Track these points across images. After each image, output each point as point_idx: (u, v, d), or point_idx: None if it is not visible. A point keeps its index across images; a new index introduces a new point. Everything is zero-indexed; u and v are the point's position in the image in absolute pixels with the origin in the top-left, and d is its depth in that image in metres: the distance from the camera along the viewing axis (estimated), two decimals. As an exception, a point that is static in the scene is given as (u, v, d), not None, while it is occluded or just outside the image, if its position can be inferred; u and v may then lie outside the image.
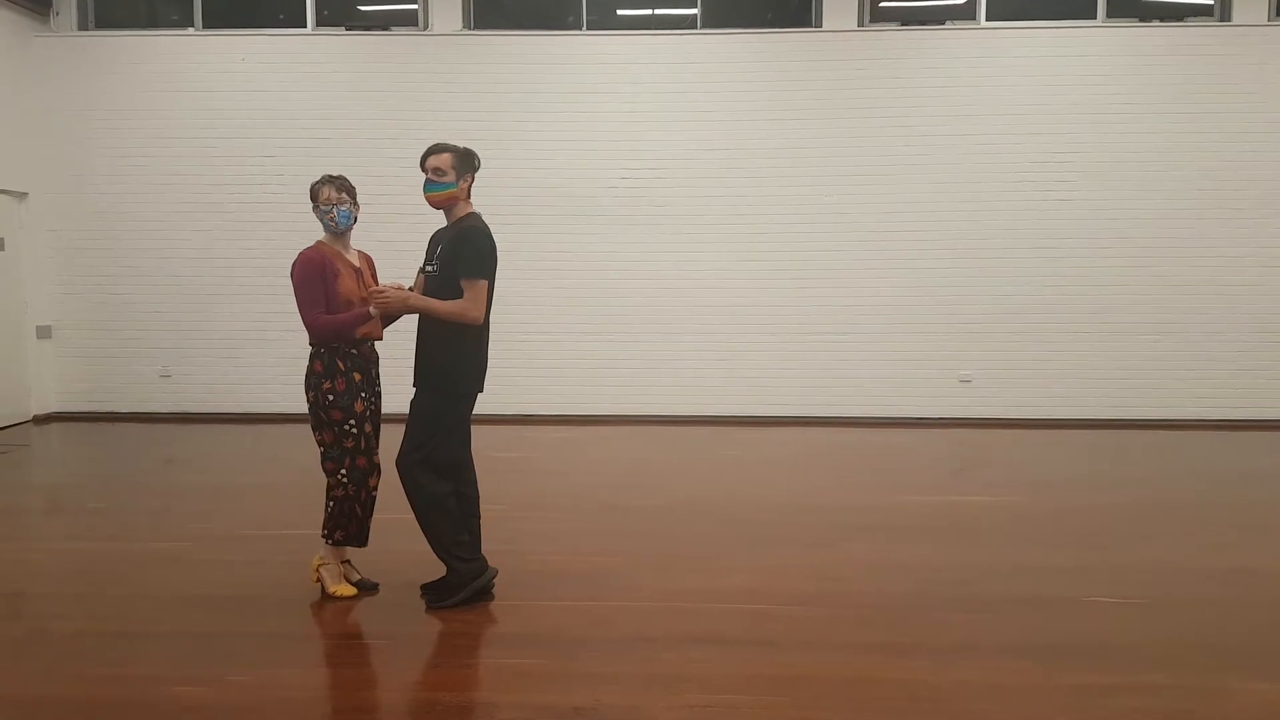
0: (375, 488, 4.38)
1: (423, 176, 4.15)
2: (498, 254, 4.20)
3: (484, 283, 4.05)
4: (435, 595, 4.24)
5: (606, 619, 4.09)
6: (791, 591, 4.45)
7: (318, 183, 4.32)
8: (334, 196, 4.27)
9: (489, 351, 4.27)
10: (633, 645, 3.82)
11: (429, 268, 4.19)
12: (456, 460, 4.25)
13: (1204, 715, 3.27)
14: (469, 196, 4.20)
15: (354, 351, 4.27)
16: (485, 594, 4.28)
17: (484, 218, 4.21)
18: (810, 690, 3.43)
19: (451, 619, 4.10)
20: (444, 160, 4.11)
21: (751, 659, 3.70)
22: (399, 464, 4.17)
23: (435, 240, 4.24)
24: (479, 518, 4.38)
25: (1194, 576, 4.72)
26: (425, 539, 4.22)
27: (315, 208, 4.31)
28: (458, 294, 4.03)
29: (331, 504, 4.31)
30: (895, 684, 3.48)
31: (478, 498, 4.39)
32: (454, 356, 4.11)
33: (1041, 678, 3.53)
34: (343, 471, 4.26)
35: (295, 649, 3.88)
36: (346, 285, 4.23)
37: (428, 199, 4.17)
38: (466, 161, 4.15)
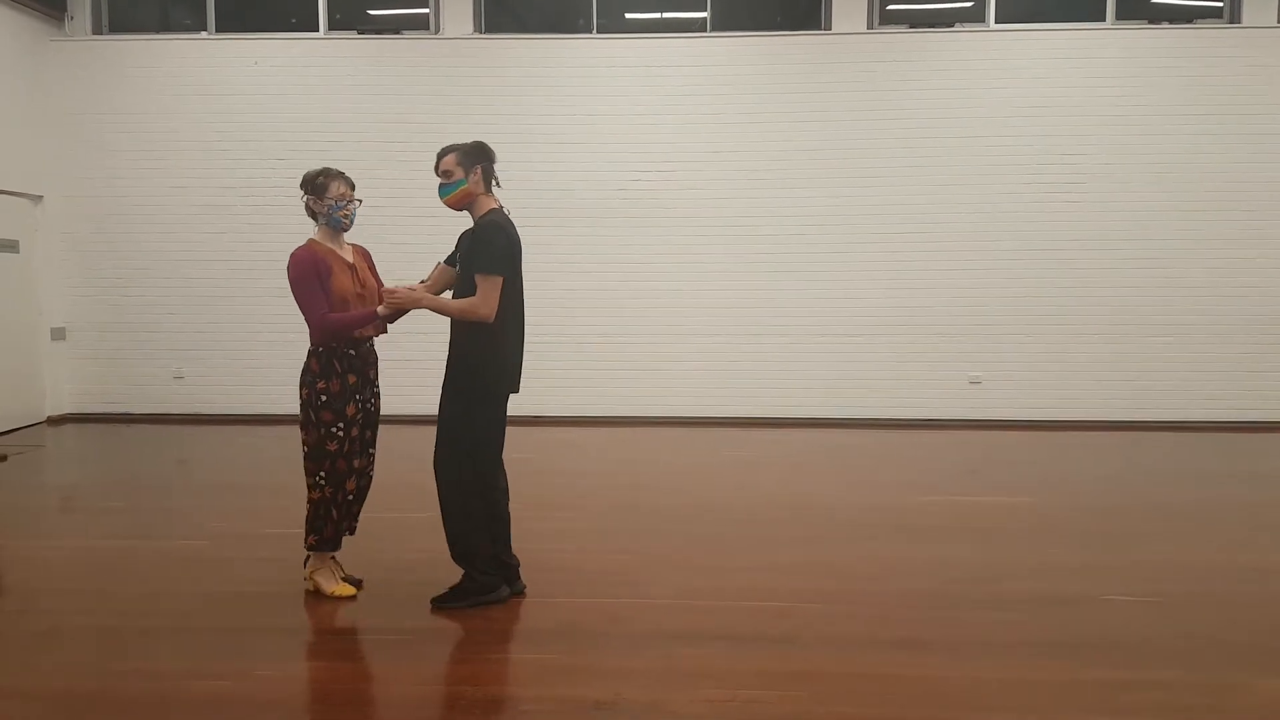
0: (367, 488, 4.37)
1: (437, 180, 4.15)
2: (521, 250, 4.18)
3: (496, 279, 3.97)
4: (445, 595, 4.24)
5: (624, 616, 4.12)
6: (807, 589, 4.47)
7: (324, 176, 4.17)
8: (348, 193, 4.20)
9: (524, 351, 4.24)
10: (651, 641, 3.85)
11: (455, 268, 4.20)
12: (489, 463, 4.23)
13: (1220, 711, 3.29)
14: (489, 190, 4.15)
15: (352, 352, 4.19)
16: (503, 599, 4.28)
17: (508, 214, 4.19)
18: (829, 685, 3.45)
19: (472, 615, 4.12)
20: (449, 161, 4.09)
21: (769, 655, 3.72)
22: (435, 464, 4.17)
23: (461, 239, 4.24)
24: (508, 522, 4.34)
25: (1208, 575, 4.74)
26: (446, 541, 4.24)
27: (319, 201, 4.16)
28: (475, 291, 4.02)
29: (308, 506, 4.24)
30: (915, 680, 3.51)
31: (507, 502, 4.34)
32: (486, 355, 4.08)
33: (1059, 674, 3.55)
34: (321, 473, 4.19)
35: (320, 643, 3.92)
36: (341, 282, 4.13)
37: (444, 203, 4.17)
38: (472, 155, 4.10)
